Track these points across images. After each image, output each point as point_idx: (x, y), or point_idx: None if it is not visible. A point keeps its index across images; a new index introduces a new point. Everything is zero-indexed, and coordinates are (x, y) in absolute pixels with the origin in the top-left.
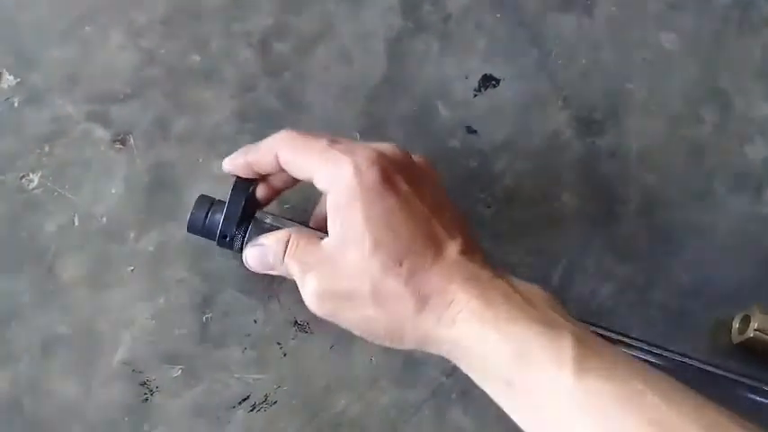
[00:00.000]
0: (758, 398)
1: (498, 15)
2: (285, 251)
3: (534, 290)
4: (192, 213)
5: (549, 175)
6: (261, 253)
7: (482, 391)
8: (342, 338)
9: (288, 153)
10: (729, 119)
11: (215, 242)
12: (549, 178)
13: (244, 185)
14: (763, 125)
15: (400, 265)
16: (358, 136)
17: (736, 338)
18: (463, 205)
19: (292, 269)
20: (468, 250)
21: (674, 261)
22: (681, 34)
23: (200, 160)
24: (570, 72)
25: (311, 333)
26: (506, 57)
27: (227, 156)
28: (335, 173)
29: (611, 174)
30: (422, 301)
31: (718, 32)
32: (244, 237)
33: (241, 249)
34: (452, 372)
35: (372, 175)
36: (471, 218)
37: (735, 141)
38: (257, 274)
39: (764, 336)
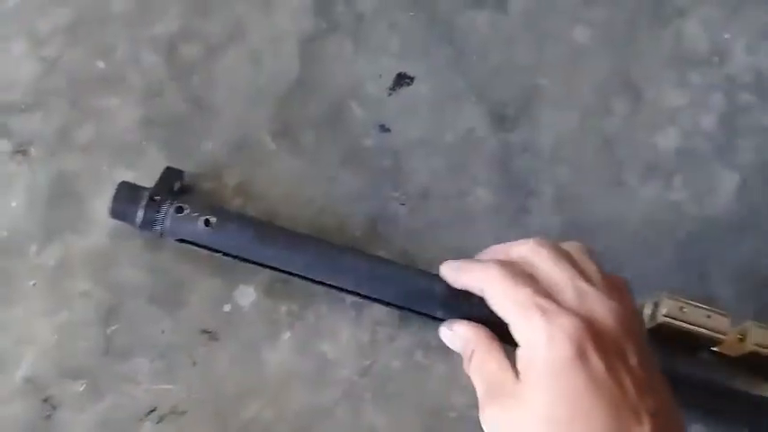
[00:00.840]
0: None
1: (411, 14)
2: (470, 356)
3: None
4: (115, 197)
5: (464, 171)
6: (450, 338)
7: (396, 388)
8: (251, 344)
9: (492, 294)
10: (640, 109)
11: (137, 227)
12: (463, 174)
13: (172, 173)
14: (674, 114)
15: None
16: (269, 139)
17: (648, 325)
18: (377, 204)
19: (475, 381)
20: None
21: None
22: (593, 27)
23: (105, 169)
24: (484, 68)
25: (220, 340)
26: (420, 55)
27: (133, 164)
28: (529, 335)
29: (524, 168)
30: None
31: (630, 24)
32: (163, 222)
33: (161, 234)
34: (366, 371)
35: (564, 350)
36: (385, 217)
37: (645, 131)
38: (164, 283)
39: (672, 321)
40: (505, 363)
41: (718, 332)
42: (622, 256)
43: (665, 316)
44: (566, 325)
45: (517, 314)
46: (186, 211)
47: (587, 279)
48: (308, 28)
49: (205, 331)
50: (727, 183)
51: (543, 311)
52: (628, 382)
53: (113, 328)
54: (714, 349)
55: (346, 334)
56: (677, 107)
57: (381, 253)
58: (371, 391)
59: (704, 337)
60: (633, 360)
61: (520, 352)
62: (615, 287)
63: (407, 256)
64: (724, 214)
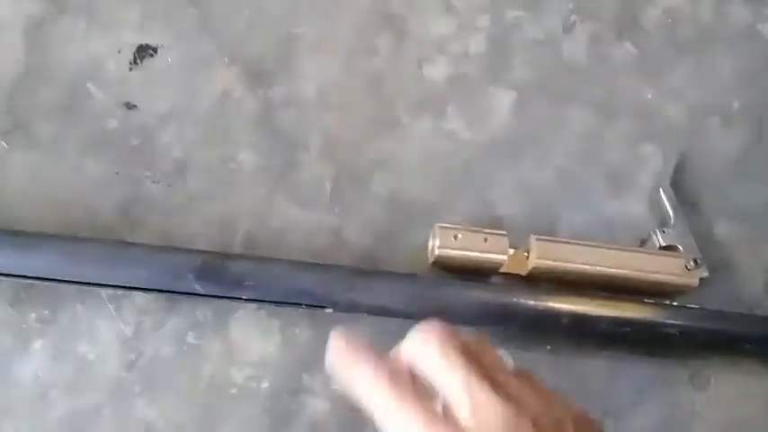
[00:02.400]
0: None
1: None
2: None
3: None
4: None
5: (224, 137)
6: None
7: (169, 376)
8: (1, 361)
9: (374, 409)
10: (406, 43)
11: None
12: (222, 141)
13: None
14: (441, 44)
15: None
16: (0, 138)
17: (431, 258)
18: (128, 188)
19: None
20: None
21: (364, 197)
22: None
23: None
24: (234, 26)
25: None
26: (163, 23)
27: None
28: None
29: (288, 123)
30: None
31: None
32: None
33: None
34: (132, 365)
35: None
36: (139, 199)
37: (413, 65)
38: None
39: (448, 252)
40: None
41: (497, 253)
42: (403, 195)
43: (440, 247)
44: None
45: (399, 424)
46: None
47: (483, 376)
48: (34, 13)
49: None
50: (503, 102)
51: (428, 427)
52: None
53: None
54: (505, 271)
55: (106, 330)
56: (444, 35)
57: (138, 238)
58: (141, 384)
59: (484, 260)
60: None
61: None
62: (512, 381)
63: (168, 236)
64: (501, 134)
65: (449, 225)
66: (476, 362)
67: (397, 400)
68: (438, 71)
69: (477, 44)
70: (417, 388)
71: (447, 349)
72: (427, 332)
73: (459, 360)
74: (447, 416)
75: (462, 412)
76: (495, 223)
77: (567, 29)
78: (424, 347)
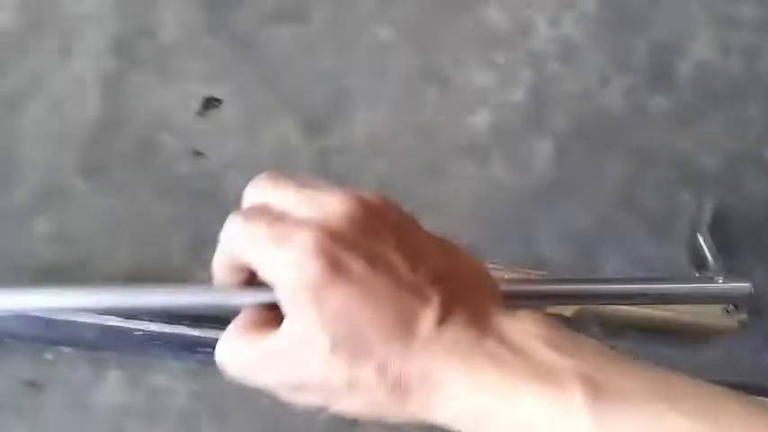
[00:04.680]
0: None
1: (214, 38)
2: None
3: (525, 325)
4: None
5: None
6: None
7: (231, 405)
8: (78, 390)
9: (237, 254)
10: (450, 94)
11: None
12: None
13: None
14: (483, 93)
15: (369, 357)
16: (80, 182)
17: None
18: (197, 229)
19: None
20: (449, 311)
21: None
22: (396, 24)
23: None
24: (291, 80)
25: (45, 390)
26: (227, 76)
27: None
28: (274, 273)
29: (343, 169)
30: (402, 393)
31: (432, 15)
32: None
33: None
34: (199, 395)
35: (316, 267)
36: (207, 240)
37: (458, 114)
38: None
39: None
40: (261, 329)
41: None
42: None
43: None
44: (305, 243)
45: (256, 255)
46: None
47: (312, 186)
48: (109, 68)
49: (29, 383)
50: (543, 150)
51: (276, 240)
52: (395, 261)
53: None
54: (549, 311)
55: (177, 362)
56: (486, 87)
57: (204, 275)
58: (207, 413)
59: None
60: (390, 237)
61: (278, 294)
62: (344, 189)
63: None
64: (542, 180)
65: (496, 265)
66: (302, 182)
67: (242, 221)
68: (481, 120)
69: (517, 95)
70: (260, 209)
71: (276, 178)
72: (259, 176)
73: (288, 181)
74: (285, 221)
75: (299, 211)
76: (538, 265)
77: (604, 82)
78: (257, 183)
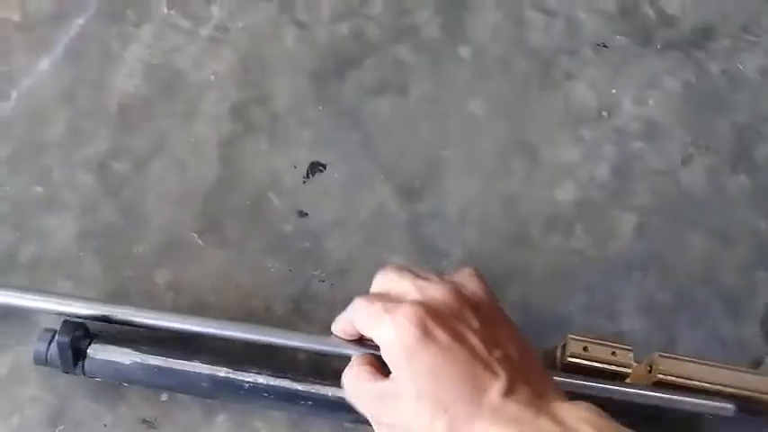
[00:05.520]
0: None
1: (320, 108)
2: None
3: (580, 413)
4: (35, 346)
5: (379, 244)
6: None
7: None
8: (189, 430)
9: (357, 321)
10: (538, 168)
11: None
12: (378, 247)
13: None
14: (570, 168)
15: (445, 411)
16: (196, 236)
17: (559, 365)
18: (300, 284)
19: (356, 401)
20: (514, 388)
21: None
22: (488, 99)
23: (47, 283)
24: (389, 149)
25: (159, 428)
26: (331, 143)
27: (71, 275)
28: (382, 335)
29: (434, 234)
30: None
31: (522, 91)
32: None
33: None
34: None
35: (411, 333)
36: (308, 295)
37: (544, 188)
38: (105, 382)
39: (577, 361)
40: (374, 373)
41: (622, 366)
42: (533, 305)
43: (570, 356)
44: (407, 313)
45: (371, 324)
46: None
47: (425, 278)
48: (226, 132)
49: (145, 421)
50: (626, 225)
51: (387, 311)
52: (474, 341)
53: (60, 428)
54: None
55: (277, 412)
56: (572, 162)
57: (307, 328)
58: None
59: (610, 371)
60: (474, 323)
61: (383, 355)
62: (454, 278)
63: (329, 326)
64: (625, 255)
65: (579, 337)
66: (419, 274)
67: (366, 301)
68: (566, 194)
69: (602, 171)
70: (381, 294)
71: (399, 269)
72: (384, 267)
73: (408, 273)
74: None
75: (410, 294)
76: (617, 335)
77: (686, 160)
78: (384, 273)
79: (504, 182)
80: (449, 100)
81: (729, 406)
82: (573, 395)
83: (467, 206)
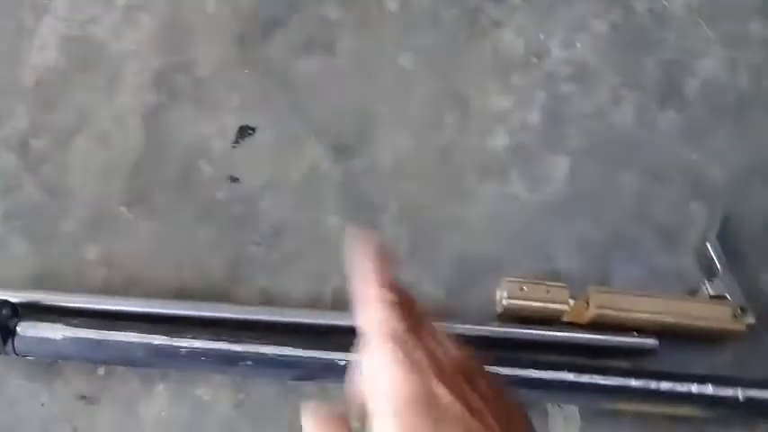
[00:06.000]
0: None
1: (247, 71)
2: None
3: None
4: None
5: (313, 204)
6: None
7: (272, 413)
8: (129, 402)
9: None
10: (470, 117)
11: None
12: (313, 207)
13: None
14: (502, 116)
15: None
16: (125, 210)
17: (499, 308)
18: (235, 250)
19: None
20: None
21: (437, 254)
22: (417, 52)
23: None
24: (320, 108)
25: (98, 404)
26: (259, 106)
27: None
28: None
29: (369, 190)
30: None
31: (451, 43)
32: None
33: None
34: (241, 404)
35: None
36: (244, 259)
37: (478, 136)
38: (38, 360)
39: (515, 302)
40: None
41: (558, 303)
42: (471, 252)
43: (508, 298)
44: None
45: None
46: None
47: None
48: (150, 101)
49: (83, 397)
50: (559, 168)
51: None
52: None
53: None
54: (566, 321)
55: (220, 375)
56: (504, 109)
57: (243, 294)
58: (248, 421)
59: (548, 309)
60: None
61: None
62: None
63: (268, 292)
64: (559, 197)
65: (515, 278)
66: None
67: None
68: (499, 141)
69: (533, 116)
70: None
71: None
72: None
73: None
74: None
75: None
76: (554, 277)
77: (616, 100)
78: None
79: (436, 133)
80: (378, 55)
81: (652, 341)
82: (511, 342)
83: (400, 160)
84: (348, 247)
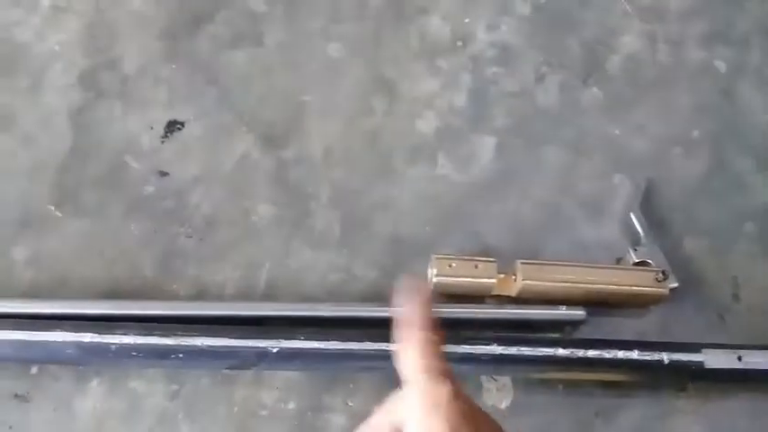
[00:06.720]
0: None
1: (174, 66)
2: None
3: None
4: None
5: (245, 194)
6: None
7: (207, 403)
8: (63, 399)
9: None
10: (398, 102)
11: None
12: (245, 197)
13: None
14: (430, 99)
15: None
16: (53, 209)
17: (430, 286)
18: (165, 243)
19: None
20: None
21: (369, 237)
22: (344, 41)
23: None
24: (249, 99)
25: (32, 401)
26: (187, 100)
27: None
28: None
29: (300, 178)
30: None
31: (377, 31)
32: None
33: None
34: (176, 395)
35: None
36: (175, 252)
37: (406, 120)
38: None
39: (444, 279)
40: None
41: (486, 277)
42: (402, 234)
43: (437, 275)
44: None
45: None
46: None
47: None
48: (76, 101)
49: (17, 395)
50: (486, 148)
51: None
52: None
53: None
54: (497, 294)
55: (152, 369)
56: (431, 93)
57: (176, 287)
58: (183, 411)
59: (477, 284)
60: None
61: None
62: None
63: (202, 284)
64: (486, 176)
65: (444, 255)
66: None
67: None
68: (427, 124)
69: (460, 98)
70: None
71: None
72: None
73: None
74: None
75: None
76: (485, 253)
77: (539, 79)
78: None
79: (365, 119)
80: (306, 46)
81: (580, 312)
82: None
83: (331, 147)
84: (400, 297)
